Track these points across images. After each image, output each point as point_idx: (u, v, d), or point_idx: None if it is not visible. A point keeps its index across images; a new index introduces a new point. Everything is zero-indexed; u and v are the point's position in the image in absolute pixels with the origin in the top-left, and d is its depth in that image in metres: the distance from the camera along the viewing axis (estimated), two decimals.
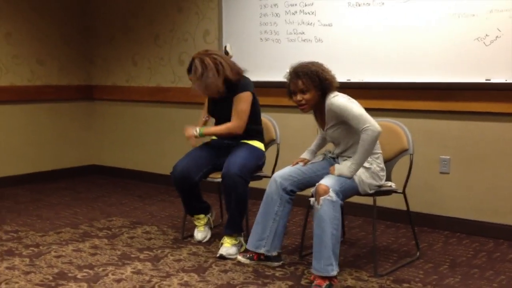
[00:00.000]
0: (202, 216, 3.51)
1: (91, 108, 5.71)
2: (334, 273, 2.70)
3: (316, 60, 2.96)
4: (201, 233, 3.49)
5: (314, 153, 3.20)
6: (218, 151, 3.40)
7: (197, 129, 3.31)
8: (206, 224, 3.52)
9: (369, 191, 2.89)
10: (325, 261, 2.70)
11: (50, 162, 5.40)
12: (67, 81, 5.48)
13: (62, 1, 5.38)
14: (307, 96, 2.87)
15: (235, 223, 3.24)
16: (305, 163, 3.08)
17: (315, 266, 2.73)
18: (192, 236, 3.53)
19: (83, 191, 4.97)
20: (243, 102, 3.29)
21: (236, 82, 3.30)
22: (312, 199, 2.78)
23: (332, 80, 2.87)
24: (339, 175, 2.81)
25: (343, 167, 2.84)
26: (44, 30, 5.26)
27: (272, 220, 2.99)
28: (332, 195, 2.71)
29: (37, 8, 5.20)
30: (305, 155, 3.17)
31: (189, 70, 3.31)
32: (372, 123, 2.77)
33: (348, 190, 2.82)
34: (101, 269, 2.98)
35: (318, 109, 2.97)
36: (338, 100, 2.84)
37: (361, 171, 2.86)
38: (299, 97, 2.89)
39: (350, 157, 2.91)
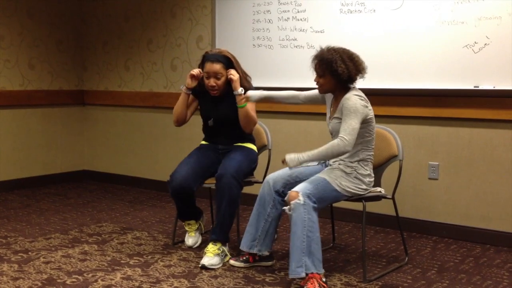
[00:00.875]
0: (193, 222, 3.51)
1: (82, 113, 5.71)
2: (303, 274, 2.71)
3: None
4: (192, 238, 3.49)
5: (264, 96, 3.21)
6: (213, 157, 3.39)
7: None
8: (197, 230, 3.52)
9: (351, 190, 2.88)
10: (296, 263, 2.72)
11: (40, 168, 5.38)
12: (58, 86, 5.48)
13: (54, 6, 5.39)
14: (321, 80, 2.92)
15: (223, 229, 3.20)
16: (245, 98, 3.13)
17: (289, 269, 2.77)
18: (182, 241, 3.54)
19: (73, 196, 4.96)
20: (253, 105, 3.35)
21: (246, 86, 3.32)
22: (286, 208, 2.81)
23: (347, 73, 2.83)
24: (288, 162, 2.82)
25: (292, 157, 2.81)
26: (36, 35, 5.26)
27: (264, 221, 3.03)
28: (300, 198, 2.73)
29: (29, 12, 5.20)
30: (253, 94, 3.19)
31: (214, 60, 3.25)
32: (350, 140, 2.76)
33: (323, 191, 2.81)
34: (90, 275, 2.97)
35: (336, 95, 2.98)
36: (351, 100, 2.82)
37: (339, 174, 2.88)
38: (316, 78, 2.95)
39: (341, 158, 2.93)
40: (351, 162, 2.92)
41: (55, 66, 5.44)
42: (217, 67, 3.25)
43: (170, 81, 5.02)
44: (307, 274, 2.72)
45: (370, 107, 2.89)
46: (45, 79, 5.36)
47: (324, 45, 2.96)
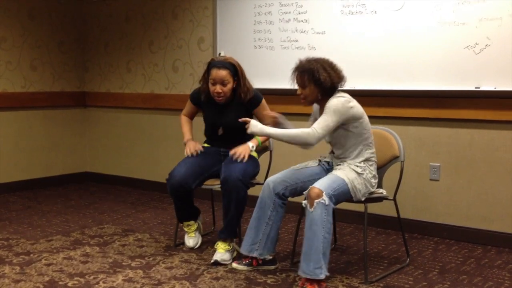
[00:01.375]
0: (192, 222, 3.52)
1: (84, 115, 5.71)
2: (323, 276, 2.72)
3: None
4: (192, 239, 3.49)
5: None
6: (214, 159, 3.40)
7: (251, 144, 3.27)
8: (196, 230, 3.53)
9: (361, 198, 2.91)
10: (315, 264, 2.71)
11: (42, 169, 5.39)
12: (60, 87, 5.48)
13: (56, 7, 5.40)
14: (305, 91, 2.93)
15: (232, 228, 3.25)
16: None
17: (304, 269, 2.74)
18: (184, 243, 3.54)
19: (75, 198, 4.97)
20: (267, 109, 3.38)
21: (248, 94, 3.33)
22: (304, 202, 2.80)
23: (329, 81, 2.86)
24: (251, 131, 2.90)
25: (257, 125, 2.90)
26: (38, 36, 5.27)
27: (265, 224, 3.02)
28: (325, 198, 2.73)
29: (31, 13, 5.21)
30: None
31: (220, 66, 3.24)
32: (320, 135, 2.80)
33: (341, 194, 2.84)
34: (92, 277, 2.98)
35: (321, 105, 2.99)
36: (332, 101, 2.86)
37: (353, 177, 2.88)
38: (298, 91, 2.96)
39: (346, 160, 2.94)
40: (358, 163, 2.93)
41: (57, 68, 5.45)
42: (224, 73, 3.23)
43: (171, 83, 5.02)
44: (326, 276, 2.73)
45: (356, 105, 2.90)
46: (47, 80, 5.37)
47: (302, 58, 2.98)
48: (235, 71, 3.28)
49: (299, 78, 2.93)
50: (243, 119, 2.98)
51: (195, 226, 3.53)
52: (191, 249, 3.45)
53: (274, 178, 3.04)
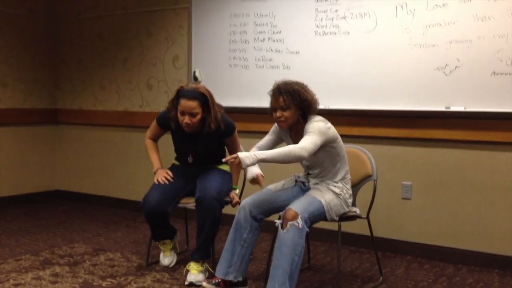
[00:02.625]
0: (168, 241, 3.48)
1: (55, 132, 5.63)
2: None
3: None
4: (167, 258, 3.45)
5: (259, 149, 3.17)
6: (187, 177, 3.36)
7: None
8: (172, 249, 3.49)
9: (335, 218, 2.92)
10: (280, 285, 2.69)
11: (11, 187, 5.27)
12: (31, 104, 5.40)
13: (28, 24, 5.34)
14: (286, 113, 2.91)
15: (205, 249, 3.21)
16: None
17: (267, 287, 2.73)
18: (157, 262, 3.49)
19: (45, 217, 4.87)
20: (237, 139, 3.38)
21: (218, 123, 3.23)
22: (278, 222, 2.79)
23: (311, 102, 2.91)
24: (246, 165, 2.73)
25: (248, 157, 2.71)
26: (9, 52, 5.20)
27: (241, 246, 2.98)
28: (299, 222, 2.72)
29: (1, 30, 5.14)
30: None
31: (190, 97, 3.12)
32: (310, 150, 2.76)
33: (316, 216, 2.84)
34: None
35: (295, 128, 3.00)
36: (313, 123, 2.87)
37: (331, 198, 2.89)
38: (278, 113, 2.93)
39: (323, 179, 2.95)
40: (336, 182, 2.95)
41: (28, 85, 5.37)
42: (193, 104, 3.12)
43: (145, 100, 5.00)
44: None
45: (331, 127, 2.93)
46: (18, 97, 5.29)
47: (278, 80, 2.98)
48: (205, 101, 3.16)
49: (282, 100, 2.89)
50: (229, 158, 2.75)
51: (171, 245, 3.49)
52: (166, 267, 3.40)
53: (250, 201, 3.01)
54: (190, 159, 3.36)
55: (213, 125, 3.19)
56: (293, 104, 2.89)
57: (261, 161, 2.75)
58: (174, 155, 3.52)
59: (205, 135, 3.25)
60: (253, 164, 2.74)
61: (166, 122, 3.33)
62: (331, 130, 2.91)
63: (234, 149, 3.33)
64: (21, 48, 5.30)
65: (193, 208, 3.25)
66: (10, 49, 5.21)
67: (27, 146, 5.39)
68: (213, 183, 3.19)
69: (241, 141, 3.80)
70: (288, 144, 3.08)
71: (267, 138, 3.18)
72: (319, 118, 2.94)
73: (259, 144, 3.19)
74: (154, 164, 3.42)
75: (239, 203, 3.21)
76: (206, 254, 3.23)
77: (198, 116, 3.17)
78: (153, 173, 3.38)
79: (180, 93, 3.17)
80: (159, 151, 3.50)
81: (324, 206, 2.85)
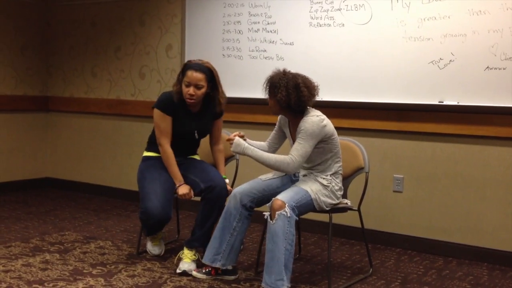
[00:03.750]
0: (159, 232, 3.46)
1: (46, 120, 5.59)
2: None
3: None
4: (157, 247, 3.44)
5: (262, 147, 3.20)
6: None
7: None
8: (161, 238, 3.49)
9: (325, 207, 2.93)
10: (276, 276, 2.71)
11: (1, 174, 5.23)
12: (22, 91, 5.36)
13: (19, 10, 5.28)
14: (270, 102, 2.97)
15: (208, 236, 3.17)
16: (241, 136, 3.04)
17: (266, 280, 2.74)
18: (147, 251, 3.48)
19: (35, 204, 4.84)
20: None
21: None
22: (266, 213, 2.80)
23: (300, 100, 2.87)
24: (234, 150, 2.92)
25: (239, 143, 2.90)
26: (1, 38, 5.14)
27: (230, 235, 2.99)
28: (287, 210, 2.73)
29: None
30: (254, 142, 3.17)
31: (197, 69, 3.13)
32: (299, 163, 2.84)
33: (304, 206, 2.85)
34: (51, 284, 2.90)
35: (293, 122, 3.01)
36: (308, 123, 2.85)
37: (318, 188, 2.90)
38: (269, 102, 2.99)
39: (313, 172, 2.95)
40: (325, 175, 2.95)
41: (20, 71, 5.32)
42: (200, 76, 3.13)
43: (138, 89, 4.97)
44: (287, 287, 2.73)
45: (328, 123, 2.91)
46: (9, 84, 5.24)
47: (276, 70, 2.97)
48: (212, 76, 3.20)
49: (268, 91, 2.95)
50: (232, 136, 2.93)
51: (161, 235, 3.48)
52: (155, 256, 3.40)
53: (241, 189, 3.02)
54: (196, 135, 3.31)
55: (222, 100, 3.25)
56: (272, 98, 2.93)
57: (247, 155, 2.91)
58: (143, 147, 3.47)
59: (208, 113, 3.28)
60: (239, 154, 2.93)
61: (170, 102, 3.21)
62: (327, 127, 2.89)
63: (218, 135, 3.40)
64: (13, 34, 5.24)
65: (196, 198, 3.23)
66: (1, 35, 5.15)
67: (17, 133, 5.35)
68: (216, 173, 3.23)
69: (233, 131, 3.78)
70: (287, 134, 3.11)
71: (272, 134, 3.20)
72: (315, 113, 2.92)
73: (268, 139, 3.22)
74: (178, 179, 3.21)
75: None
76: (206, 242, 3.18)
77: (203, 90, 3.17)
78: (176, 188, 3.21)
79: (187, 66, 3.19)
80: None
81: (311, 195, 2.86)
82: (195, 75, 3.14)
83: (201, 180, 3.19)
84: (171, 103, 3.22)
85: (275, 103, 2.93)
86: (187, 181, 3.24)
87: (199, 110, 3.29)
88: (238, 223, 2.99)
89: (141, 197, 3.18)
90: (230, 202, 3.01)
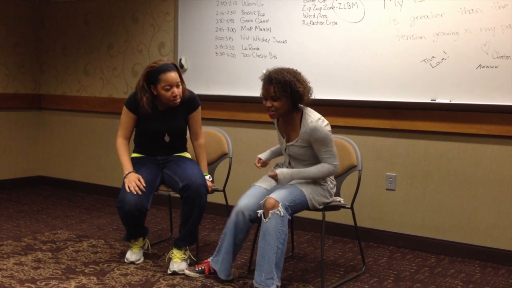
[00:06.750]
0: (140, 238, 3.37)
1: (39, 118, 5.57)
2: (274, 287, 2.72)
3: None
4: (135, 254, 3.31)
5: (273, 153, 3.18)
6: (154, 170, 3.26)
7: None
8: (141, 247, 3.37)
9: (318, 206, 2.93)
10: (266, 275, 2.72)
11: None
12: (14, 89, 5.33)
13: (12, 7, 5.25)
14: (277, 103, 2.84)
15: (191, 235, 3.18)
16: (262, 164, 3.08)
17: (256, 279, 2.75)
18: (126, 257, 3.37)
19: (28, 202, 4.82)
20: (200, 118, 3.34)
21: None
22: (260, 211, 2.80)
23: (303, 93, 2.83)
24: (280, 180, 2.88)
25: (285, 175, 2.87)
26: None
27: (238, 247, 3.00)
28: (280, 209, 2.73)
29: None
30: (263, 155, 3.14)
31: (170, 69, 3.12)
32: (338, 166, 2.92)
33: (298, 205, 2.85)
34: (43, 283, 2.89)
35: (286, 119, 2.96)
36: (320, 131, 2.83)
37: (313, 188, 2.90)
38: (269, 103, 2.87)
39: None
40: None
41: (12, 69, 5.30)
42: (175, 75, 3.12)
43: (130, 87, 4.95)
44: (277, 287, 2.73)
45: (328, 123, 2.92)
46: (1, 82, 5.21)
47: (269, 68, 2.91)
48: (178, 71, 3.19)
49: (273, 90, 2.82)
50: (271, 174, 2.89)
51: (142, 243, 3.37)
52: (131, 263, 3.27)
53: (249, 205, 2.91)
54: (167, 138, 3.26)
55: (187, 92, 3.22)
56: (284, 95, 2.81)
57: (294, 180, 2.91)
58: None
59: (177, 111, 3.23)
60: (287, 183, 2.92)
61: (137, 103, 3.18)
62: (328, 126, 2.89)
63: (197, 129, 3.34)
64: (5, 32, 5.21)
65: (176, 195, 3.22)
66: None
67: (10, 131, 5.32)
68: (194, 170, 3.17)
69: (226, 129, 3.80)
70: (276, 128, 3.08)
71: (278, 136, 3.13)
72: (313, 114, 2.90)
73: (273, 148, 3.21)
74: (126, 167, 3.19)
75: (212, 189, 3.23)
76: (192, 240, 3.21)
77: (181, 85, 3.17)
78: (123, 178, 3.17)
79: (157, 71, 3.11)
80: (129, 153, 3.31)
81: (306, 195, 2.86)
82: (173, 76, 3.11)
83: (179, 179, 3.14)
84: (138, 103, 3.19)
85: (287, 100, 2.83)
86: (168, 180, 3.22)
87: (169, 108, 3.22)
88: (245, 235, 2.99)
89: (120, 191, 3.14)
90: (238, 217, 2.91)
